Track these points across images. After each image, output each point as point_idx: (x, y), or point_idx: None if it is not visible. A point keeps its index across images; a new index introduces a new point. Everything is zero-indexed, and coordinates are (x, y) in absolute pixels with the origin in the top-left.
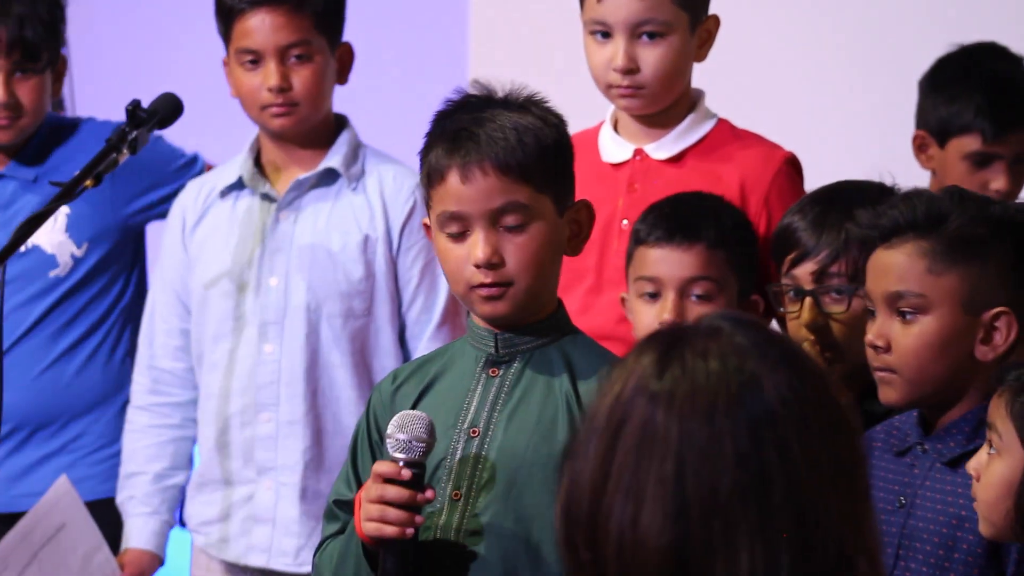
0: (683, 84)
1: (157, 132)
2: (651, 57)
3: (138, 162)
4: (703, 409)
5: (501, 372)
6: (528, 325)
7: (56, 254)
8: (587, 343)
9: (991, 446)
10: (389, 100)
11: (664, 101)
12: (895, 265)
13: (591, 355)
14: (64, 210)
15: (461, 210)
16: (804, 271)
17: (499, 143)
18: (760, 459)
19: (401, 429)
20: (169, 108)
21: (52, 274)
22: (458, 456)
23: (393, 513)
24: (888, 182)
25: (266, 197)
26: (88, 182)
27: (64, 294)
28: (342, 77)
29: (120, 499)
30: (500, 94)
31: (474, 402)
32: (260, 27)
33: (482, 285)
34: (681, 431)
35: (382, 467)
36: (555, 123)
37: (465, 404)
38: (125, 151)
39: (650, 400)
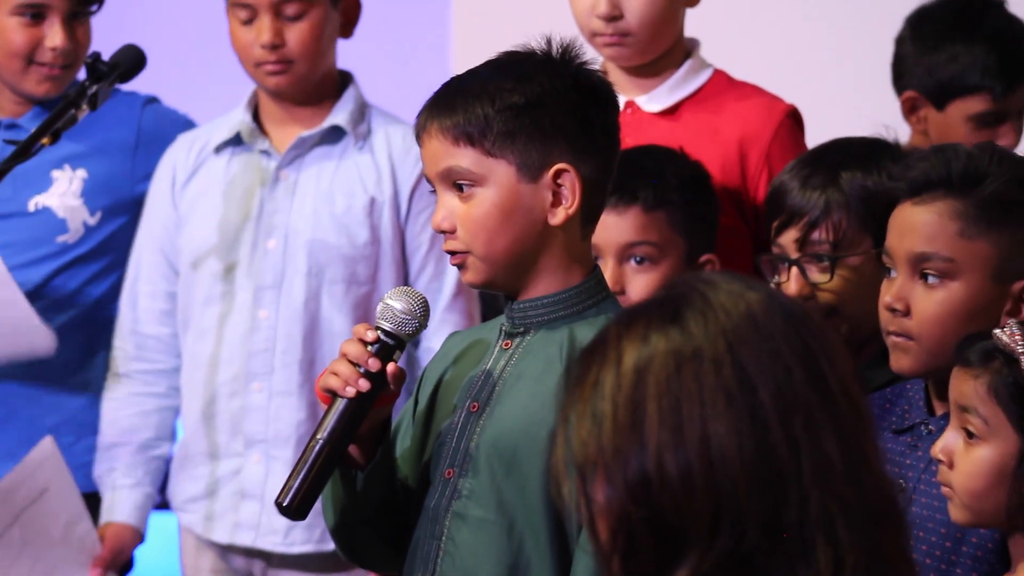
0: (674, 32)
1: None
2: (635, 2)
3: (168, 140)
4: (743, 319)
5: (513, 345)
6: (545, 296)
7: (67, 218)
8: (601, 323)
9: (967, 431)
10: (372, 88)
11: (653, 50)
12: (923, 224)
13: (594, 335)
14: (81, 174)
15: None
16: (788, 238)
17: None
18: (813, 355)
19: (397, 298)
20: (131, 61)
21: (60, 239)
22: (456, 432)
23: (341, 366)
24: (890, 138)
25: (265, 154)
26: (45, 140)
27: (71, 262)
28: (347, 30)
29: (99, 471)
30: None
31: (483, 376)
32: None
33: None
34: (729, 341)
35: (357, 327)
36: None
37: (477, 377)
38: (85, 107)
39: (674, 339)
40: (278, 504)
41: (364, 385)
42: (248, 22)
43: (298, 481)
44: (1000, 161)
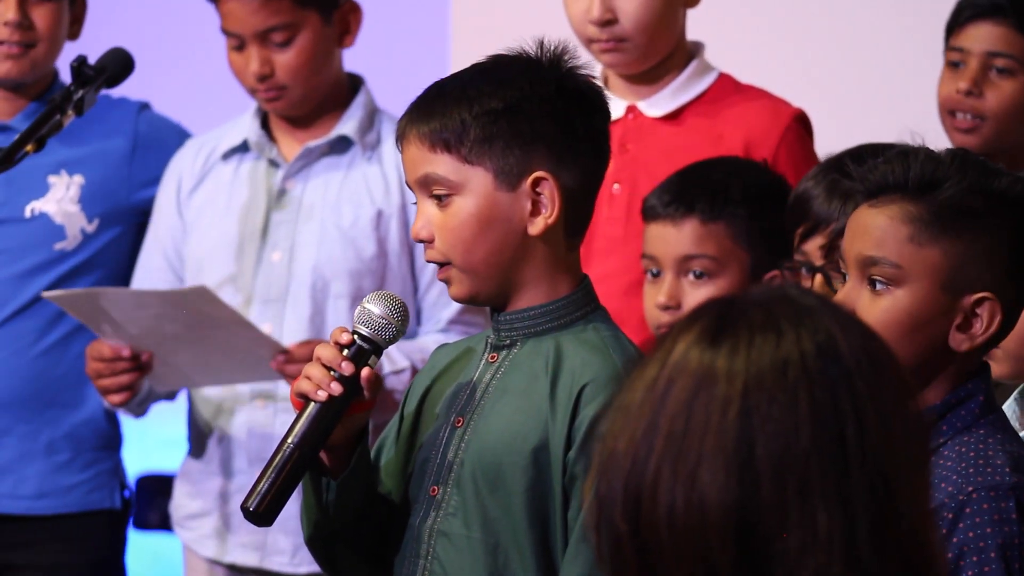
0: (673, 35)
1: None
2: (629, 5)
3: (164, 146)
4: (773, 364)
5: (499, 358)
6: (531, 307)
7: (65, 225)
8: (588, 335)
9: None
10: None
11: (652, 56)
12: (874, 227)
13: (581, 349)
14: (78, 179)
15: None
16: (814, 245)
17: None
18: (837, 418)
19: (375, 302)
20: (119, 64)
21: (58, 246)
22: (441, 448)
23: (314, 370)
24: (916, 144)
25: (272, 163)
26: (29, 147)
27: (70, 271)
28: (346, 40)
29: None
30: None
31: (468, 389)
32: (237, 10)
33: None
34: (747, 384)
35: (334, 331)
36: None
37: (461, 391)
38: (71, 112)
39: (704, 362)
40: (244, 508)
41: (336, 389)
42: (239, 48)
43: (266, 485)
44: (963, 166)
